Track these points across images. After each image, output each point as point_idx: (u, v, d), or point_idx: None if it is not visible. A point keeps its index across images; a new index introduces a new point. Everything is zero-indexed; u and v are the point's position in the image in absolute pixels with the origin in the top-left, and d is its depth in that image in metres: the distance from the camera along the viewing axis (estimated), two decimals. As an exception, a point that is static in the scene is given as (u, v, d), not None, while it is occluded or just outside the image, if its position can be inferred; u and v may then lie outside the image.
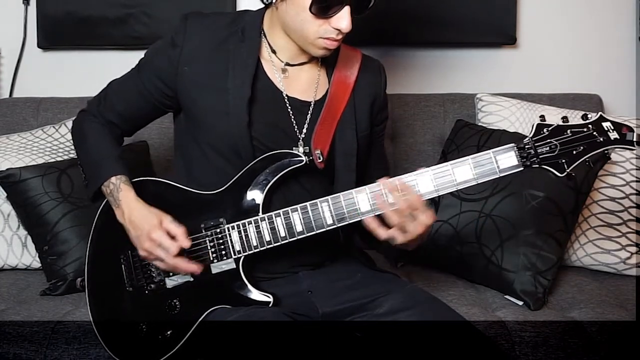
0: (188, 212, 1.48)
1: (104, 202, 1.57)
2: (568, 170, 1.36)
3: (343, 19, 1.39)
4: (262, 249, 1.44)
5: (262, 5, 1.52)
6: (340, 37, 1.42)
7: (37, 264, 1.98)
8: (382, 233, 1.38)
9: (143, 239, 1.43)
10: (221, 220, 1.46)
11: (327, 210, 1.41)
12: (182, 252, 1.43)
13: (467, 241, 1.89)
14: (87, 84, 2.11)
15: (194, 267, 1.44)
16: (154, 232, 1.42)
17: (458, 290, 1.87)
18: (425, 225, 1.37)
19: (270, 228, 1.43)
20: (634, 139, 1.35)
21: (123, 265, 1.53)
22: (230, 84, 1.48)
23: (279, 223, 1.43)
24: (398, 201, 1.36)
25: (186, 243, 1.42)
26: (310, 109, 1.53)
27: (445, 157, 2.08)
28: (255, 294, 1.44)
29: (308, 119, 1.52)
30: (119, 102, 1.59)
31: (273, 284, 1.50)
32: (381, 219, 1.39)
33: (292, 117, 1.51)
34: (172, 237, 1.42)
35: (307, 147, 1.49)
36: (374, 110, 1.61)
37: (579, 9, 2.44)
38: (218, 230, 1.46)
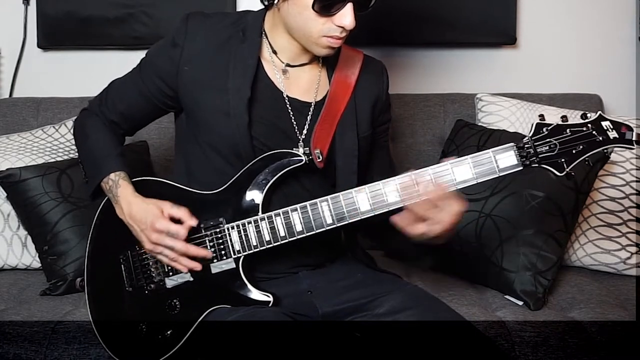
0: (188, 211, 1.48)
1: (103, 201, 1.58)
2: (567, 170, 1.36)
3: (346, 16, 1.38)
4: (261, 248, 1.44)
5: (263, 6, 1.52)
6: (344, 35, 1.42)
7: (37, 264, 1.98)
8: (413, 229, 1.36)
9: (148, 231, 1.44)
10: (221, 220, 1.46)
11: (326, 210, 1.41)
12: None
13: (467, 241, 1.88)
14: (87, 84, 2.11)
15: (206, 252, 1.44)
16: (158, 222, 1.42)
17: (458, 290, 1.87)
18: (455, 214, 1.34)
19: (270, 228, 1.43)
20: (633, 138, 1.35)
21: (122, 266, 1.53)
22: (231, 84, 1.47)
23: (279, 223, 1.43)
24: (427, 191, 1.34)
25: (193, 221, 1.44)
26: (311, 109, 1.52)
27: (445, 157, 2.07)
28: (255, 294, 1.44)
29: (308, 120, 1.52)
30: (120, 102, 1.59)
31: (273, 284, 1.50)
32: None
33: (293, 117, 1.51)
34: (177, 222, 1.43)
35: (307, 148, 1.49)
36: (375, 111, 1.60)
37: (579, 9, 2.44)
38: (218, 230, 1.46)
